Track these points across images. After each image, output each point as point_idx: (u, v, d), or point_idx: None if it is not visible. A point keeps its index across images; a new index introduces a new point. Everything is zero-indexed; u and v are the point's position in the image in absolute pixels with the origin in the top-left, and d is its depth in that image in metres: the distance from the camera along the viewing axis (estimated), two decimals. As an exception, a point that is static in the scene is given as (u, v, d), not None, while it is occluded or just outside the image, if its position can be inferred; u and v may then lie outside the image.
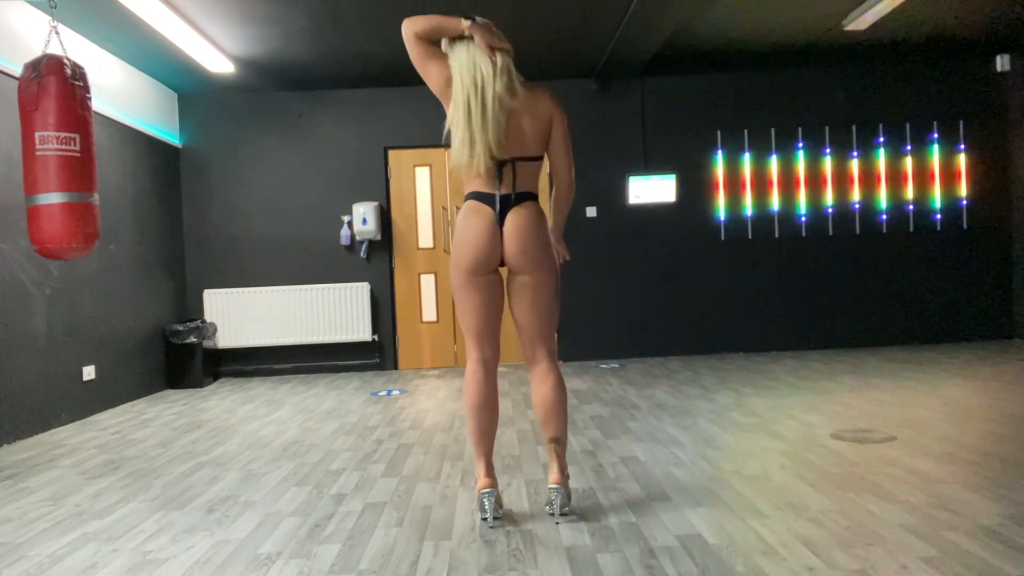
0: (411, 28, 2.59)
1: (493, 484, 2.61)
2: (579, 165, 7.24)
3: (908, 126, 7.02)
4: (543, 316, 2.64)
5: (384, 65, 6.21)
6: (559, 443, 2.62)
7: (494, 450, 2.74)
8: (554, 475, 2.61)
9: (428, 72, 2.66)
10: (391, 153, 6.95)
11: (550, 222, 2.74)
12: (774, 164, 6.99)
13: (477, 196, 2.63)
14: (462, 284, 2.64)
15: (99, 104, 5.27)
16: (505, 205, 2.59)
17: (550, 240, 2.66)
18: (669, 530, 2.46)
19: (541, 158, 2.66)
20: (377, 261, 6.90)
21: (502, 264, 2.65)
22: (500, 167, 2.59)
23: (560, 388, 2.63)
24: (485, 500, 2.58)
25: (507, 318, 2.78)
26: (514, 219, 2.58)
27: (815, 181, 7.00)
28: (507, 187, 2.60)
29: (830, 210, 7.00)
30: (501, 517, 2.66)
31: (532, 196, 2.64)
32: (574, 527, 2.52)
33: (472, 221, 2.61)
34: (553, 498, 2.59)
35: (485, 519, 2.60)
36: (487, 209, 2.60)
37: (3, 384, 4.26)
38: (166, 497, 3.10)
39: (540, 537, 2.45)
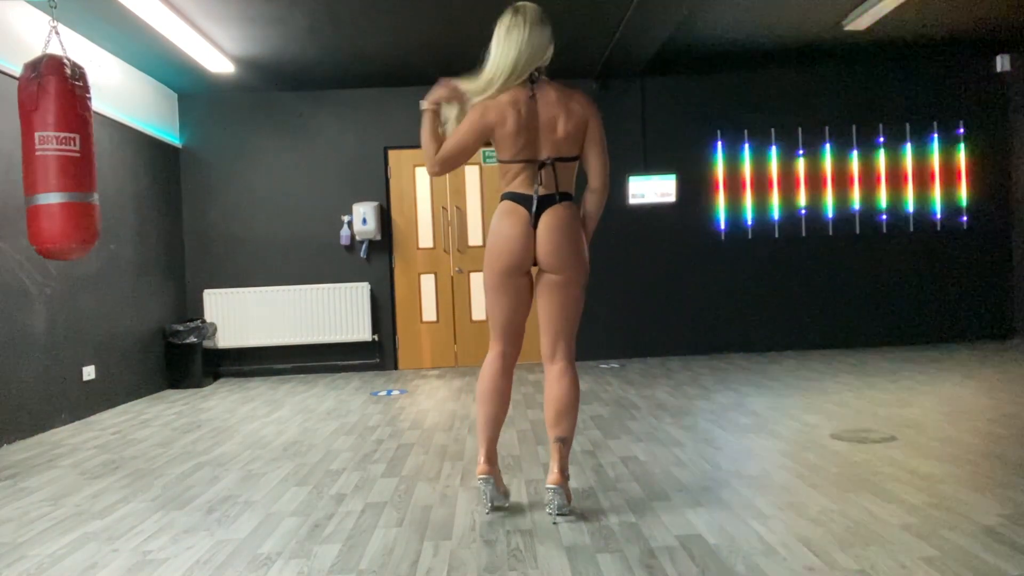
0: (434, 162, 2.68)
1: (490, 471, 2.67)
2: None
3: (908, 126, 7.02)
4: (567, 316, 2.66)
5: (384, 65, 6.21)
6: (565, 443, 2.63)
7: (497, 442, 2.76)
8: (553, 475, 2.61)
9: (476, 130, 2.66)
10: (391, 153, 6.95)
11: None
12: (774, 164, 6.99)
13: (513, 197, 2.64)
14: (493, 285, 2.68)
15: (99, 104, 5.27)
16: (542, 205, 2.60)
17: (583, 241, 2.67)
18: (669, 530, 2.46)
19: (577, 159, 2.67)
20: (377, 261, 6.90)
21: (535, 263, 2.68)
22: (539, 168, 2.61)
23: (574, 389, 2.64)
24: (481, 485, 2.65)
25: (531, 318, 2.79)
26: (548, 219, 2.60)
27: (815, 181, 7.01)
28: (546, 188, 2.62)
29: (830, 210, 7.00)
30: (504, 508, 2.72)
31: (569, 196, 2.66)
32: (574, 527, 2.52)
33: (506, 223, 2.62)
34: (551, 498, 2.59)
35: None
36: (521, 210, 2.61)
37: (3, 384, 4.26)
38: (166, 497, 3.10)
39: (540, 537, 2.45)
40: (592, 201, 2.73)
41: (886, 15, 5.47)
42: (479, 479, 2.66)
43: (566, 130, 2.59)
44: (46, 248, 3.47)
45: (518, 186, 2.63)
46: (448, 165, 2.69)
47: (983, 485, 2.78)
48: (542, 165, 2.61)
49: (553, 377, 2.66)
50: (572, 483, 2.99)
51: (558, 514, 2.60)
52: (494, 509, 2.70)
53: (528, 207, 2.60)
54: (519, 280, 2.67)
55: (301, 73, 6.34)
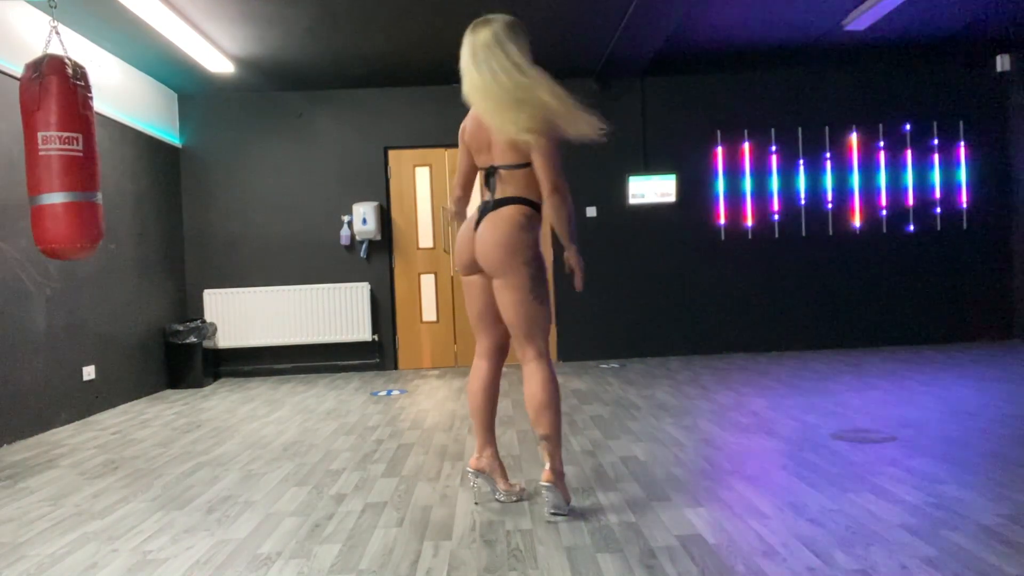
0: (452, 191, 2.89)
1: (476, 465, 2.83)
2: (579, 165, 7.22)
3: (908, 126, 7.03)
4: (520, 318, 2.65)
5: (384, 65, 6.22)
6: (549, 440, 2.65)
7: (488, 437, 2.86)
8: (545, 473, 2.64)
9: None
10: (391, 153, 6.96)
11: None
12: (774, 164, 6.99)
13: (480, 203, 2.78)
14: (462, 282, 2.85)
15: (99, 104, 5.27)
16: (485, 210, 2.69)
17: (521, 244, 2.60)
18: (669, 530, 2.46)
19: (525, 165, 2.64)
20: (377, 261, 6.90)
21: None
22: (488, 176, 2.71)
23: (547, 385, 2.64)
24: (471, 477, 2.84)
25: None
26: (483, 224, 2.67)
27: (815, 181, 7.01)
28: (492, 194, 2.69)
29: (830, 209, 7.00)
30: (501, 501, 2.81)
31: (517, 200, 2.65)
32: (574, 527, 2.53)
33: (462, 227, 2.80)
34: (545, 496, 2.61)
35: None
36: (475, 215, 2.74)
37: (3, 384, 4.26)
38: (166, 497, 3.10)
39: (540, 537, 2.45)
40: (546, 209, 2.66)
41: (886, 15, 5.47)
42: (467, 470, 2.86)
43: (504, 139, 2.62)
44: (51, 248, 3.47)
45: (483, 192, 2.76)
46: (461, 186, 2.86)
47: (983, 485, 2.79)
48: (490, 173, 2.70)
49: (527, 377, 2.69)
50: (572, 483, 3.00)
51: (552, 512, 2.61)
52: (498, 501, 2.82)
53: (480, 212, 2.71)
54: (475, 281, 2.78)
55: (301, 73, 6.35)
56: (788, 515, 2.55)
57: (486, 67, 2.58)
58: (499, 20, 2.64)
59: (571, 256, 2.70)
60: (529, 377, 2.66)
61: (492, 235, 2.62)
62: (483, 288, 2.77)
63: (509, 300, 2.64)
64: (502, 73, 2.57)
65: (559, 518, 2.60)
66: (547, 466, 2.63)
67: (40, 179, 3.41)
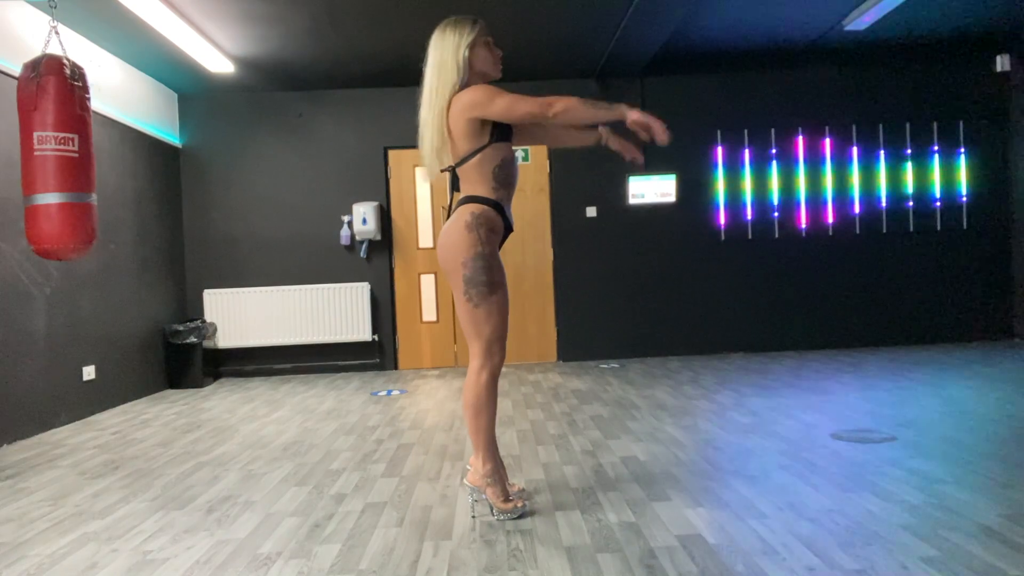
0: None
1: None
2: (579, 165, 7.21)
3: (908, 126, 7.02)
4: (462, 319, 2.64)
5: (384, 65, 6.22)
6: (473, 442, 2.67)
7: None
8: (470, 474, 2.69)
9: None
10: (391, 153, 6.95)
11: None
12: (774, 164, 6.99)
13: None
14: None
15: (99, 104, 5.28)
16: (449, 215, 2.69)
17: (463, 243, 2.56)
18: (669, 530, 2.46)
19: (472, 153, 2.59)
20: (377, 261, 6.90)
21: None
22: (452, 179, 2.67)
23: (471, 389, 2.61)
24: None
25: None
26: (442, 228, 2.69)
27: (815, 181, 7.01)
28: (456, 196, 2.70)
29: (831, 210, 7.00)
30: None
31: (467, 200, 2.62)
32: (574, 527, 2.52)
33: None
34: (471, 496, 2.68)
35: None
36: None
37: (3, 384, 4.26)
38: (166, 497, 3.10)
39: (540, 537, 2.45)
40: (567, 122, 2.52)
41: (886, 15, 5.47)
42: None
43: (441, 139, 2.61)
44: (44, 248, 3.47)
45: (449, 196, 2.76)
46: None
47: (983, 485, 2.78)
48: (452, 175, 2.68)
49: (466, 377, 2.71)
50: (572, 483, 3.00)
51: (472, 516, 2.66)
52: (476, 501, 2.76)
53: (445, 216, 2.74)
54: None
55: (301, 73, 6.35)
56: (788, 515, 2.55)
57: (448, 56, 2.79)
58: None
59: (632, 115, 2.47)
60: (466, 378, 2.68)
61: (442, 239, 2.64)
62: None
63: (456, 302, 2.64)
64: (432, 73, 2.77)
65: (480, 518, 2.65)
66: (476, 468, 2.67)
67: (35, 179, 3.41)
